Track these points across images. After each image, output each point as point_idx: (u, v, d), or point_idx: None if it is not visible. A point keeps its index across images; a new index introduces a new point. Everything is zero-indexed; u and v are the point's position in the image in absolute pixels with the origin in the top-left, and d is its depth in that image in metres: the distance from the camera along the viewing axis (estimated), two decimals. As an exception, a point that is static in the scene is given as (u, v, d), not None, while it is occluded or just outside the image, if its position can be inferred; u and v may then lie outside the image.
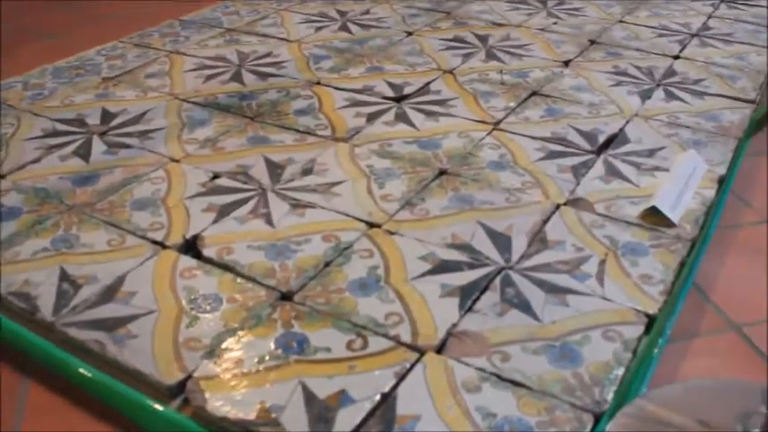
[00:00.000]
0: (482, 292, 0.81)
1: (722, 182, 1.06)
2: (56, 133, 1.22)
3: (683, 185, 1.01)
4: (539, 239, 0.91)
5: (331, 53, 1.50)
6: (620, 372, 0.70)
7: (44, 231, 0.96)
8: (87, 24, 1.85)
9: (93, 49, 1.60)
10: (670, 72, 1.46)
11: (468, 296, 0.80)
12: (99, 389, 0.73)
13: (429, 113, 1.24)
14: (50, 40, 1.76)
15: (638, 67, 1.48)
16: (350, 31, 1.65)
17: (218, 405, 0.68)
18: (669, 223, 0.94)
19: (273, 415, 0.66)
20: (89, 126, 1.24)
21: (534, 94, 1.34)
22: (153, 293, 0.83)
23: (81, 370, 0.75)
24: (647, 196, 1.00)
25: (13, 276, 0.87)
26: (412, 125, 1.20)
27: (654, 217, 0.95)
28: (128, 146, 1.16)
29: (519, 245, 0.90)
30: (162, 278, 0.85)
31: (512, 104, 1.29)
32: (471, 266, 0.85)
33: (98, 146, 1.17)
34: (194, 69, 1.44)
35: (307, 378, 0.69)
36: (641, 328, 0.76)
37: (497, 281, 0.83)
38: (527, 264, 0.87)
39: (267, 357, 0.72)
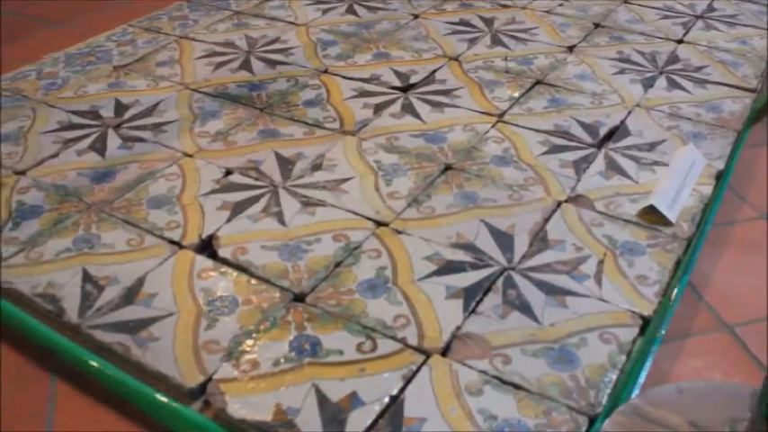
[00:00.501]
0: (485, 294, 0.83)
1: (720, 177, 1.06)
2: (71, 126, 1.23)
3: (681, 182, 1.01)
4: (540, 239, 0.92)
5: (338, 38, 1.48)
6: (615, 374, 0.72)
7: (66, 231, 0.97)
8: (95, 8, 1.83)
9: (103, 35, 1.60)
10: (673, 58, 1.43)
11: (472, 298, 0.82)
12: (125, 391, 0.77)
13: (435, 104, 1.24)
14: (58, 27, 1.74)
15: (641, 53, 1.45)
16: (356, 14, 1.61)
17: (238, 407, 0.71)
18: (667, 222, 0.95)
19: (289, 417, 0.69)
20: (103, 118, 1.25)
21: (538, 83, 1.32)
22: (172, 295, 0.86)
23: (108, 373, 0.78)
24: (646, 193, 1.00)
25: (37, 277, 0.89)
26: (418, 117, 1.19)
27: (652, 215, 0.96)
28: (142, 140, 1.18)
29: (521, 244, 0.91)
30: (180, 279, 0.88)
31: (516, 94, 1.27)
32: (475, 267, 0.87)
33: (113, 140, 1.19)
34: (204, 56, 1.44)
35: (319, 380, 0.73)
36: (636, 330, 0.78)
37: (500, 282, 0.85)
38: (528, 264, 0.88)
39: (282, 360, 0.76)
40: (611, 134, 1.16)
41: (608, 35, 1.53)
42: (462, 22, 1.57)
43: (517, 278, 0.85)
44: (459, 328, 0.78)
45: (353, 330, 0.78)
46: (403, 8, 1.64)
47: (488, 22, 1.58)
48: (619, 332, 0.78)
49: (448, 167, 1.06)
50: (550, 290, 0.83)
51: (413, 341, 0.76)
